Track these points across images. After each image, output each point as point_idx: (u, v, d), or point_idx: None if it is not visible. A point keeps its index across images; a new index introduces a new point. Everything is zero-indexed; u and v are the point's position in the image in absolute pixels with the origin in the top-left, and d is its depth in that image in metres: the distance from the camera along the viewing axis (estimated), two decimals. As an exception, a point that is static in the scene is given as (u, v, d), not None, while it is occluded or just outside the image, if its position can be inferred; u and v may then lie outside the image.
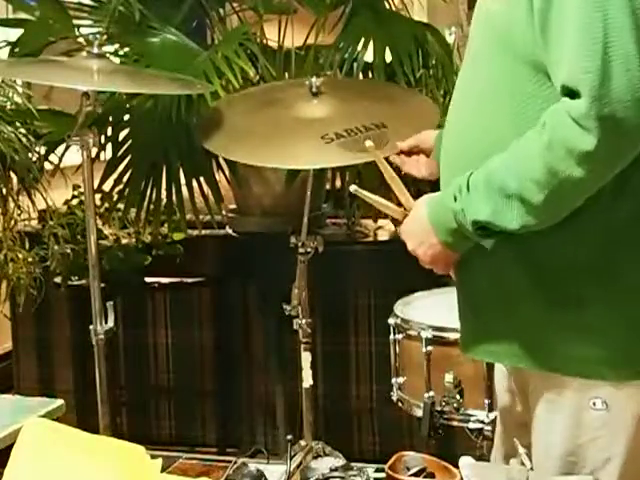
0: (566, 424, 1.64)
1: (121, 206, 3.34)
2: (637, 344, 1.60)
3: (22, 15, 3.31)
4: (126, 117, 3.27)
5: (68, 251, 3.31)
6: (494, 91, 1.62)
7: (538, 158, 1.49)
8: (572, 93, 1.46)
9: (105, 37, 3.20)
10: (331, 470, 1.88)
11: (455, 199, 1.58)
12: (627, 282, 1.59)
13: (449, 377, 2.38)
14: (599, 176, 1.50)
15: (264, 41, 3.43)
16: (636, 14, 1.45)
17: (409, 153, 2.10)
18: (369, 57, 3.39)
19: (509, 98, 1.59)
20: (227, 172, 3.35)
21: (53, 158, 3.19)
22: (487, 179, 1.55)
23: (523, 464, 1.56)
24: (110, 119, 3.21)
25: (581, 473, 1.63)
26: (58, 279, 3.46)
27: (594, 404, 1.61)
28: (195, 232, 3.52)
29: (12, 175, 3.04)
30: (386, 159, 1.90)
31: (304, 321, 2.71)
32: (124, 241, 3.56)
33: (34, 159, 3.11)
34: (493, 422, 2.32)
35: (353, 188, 1.82)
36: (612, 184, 1.53)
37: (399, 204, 1.83)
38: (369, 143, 1.94)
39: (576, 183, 1.48)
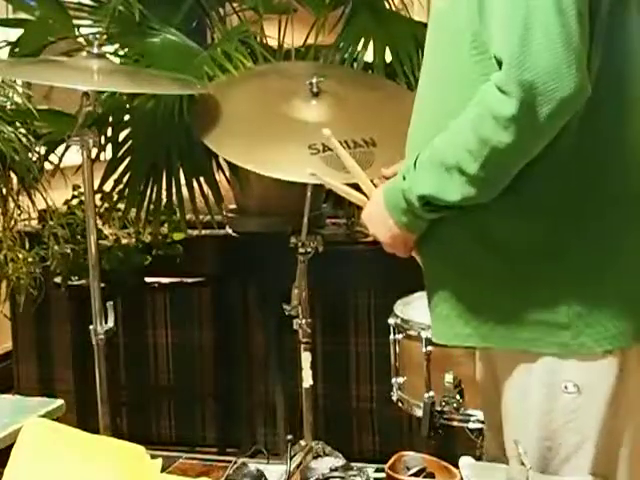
0: (539, 410, 1.65)
1: (121, 206, 3.34)
2: (598, 316, 1.61)
3: (22, 15, 3.31)
4: (126, 117, 3.27)
5: (68, 251, 3.31)
6: (444, 79, 1.68)
7: (470, 129, 1.55)
8: (500, 65, 1.52)
9: (105, 37, 3.19)
10: (331, 470, 1.88)
11: (404, 178, 1.65)
12: (582, 254, 1.61)
13: (449, 377, 2.38)
14: (527, 141, 1.54)
15: (264, 41, 3.43)
16: None
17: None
18: (369, 57, 3.39)
19: (457, 84, 1.65)
20: (227, 172, 3.35)
21: (53, 158, 3.19)
22: (430, 155, 1.62)
23: (523, 464, 1.56)
24: (110, 119, 3.21)
25: (557, 457, 1.64)
26: (58, 279, 3.46)
27: (566, 387, 1.62)
28: (195, 232, 3.52)
29: (12, 175, 3.04)
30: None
31: (304, 321, 2.71)
32: (124, 241, 3.55)
33: (34, 159, 3.11)
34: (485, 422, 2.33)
35: (310, 171, 1.86)
36: (559, 161, 1.58)
37: (361, 192, 1.88)
38: (326, 131, 1.99)
39: (506, 149, 1.53)
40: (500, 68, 1.53)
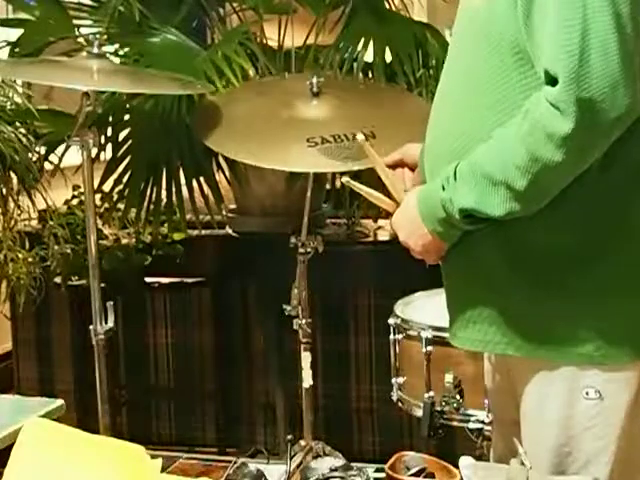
0: (559, 415, 1.64)
1: (121, 206, 3.34)
2: (626, 325, 1.61)
3: (22, 15, 3.31)
4: (126, 117, 3.28)
5: (68, 251, 3.31)
6: (478, 84, 1.64)
7: (520, 144, 1.52)
8: (552, 79, 1.49)
9: (105, 37, 3.20)
10: (331, 470, 1.88)
11: (443, 188, 1.61)
12: (608, 268, 1.60)
13: (449, 377, 2.38)
14: (579, 159, 1.52)
15: (264, 41, 3.43)
16: (615, 3, 1.46)
17: (394, 167, 2.11)
18: (369, 57, 3.39)
19: (493, 89, 1.61)
20: (227, 172, 3.35)
21: (53, 158, 3.19)
22: (472, 167, 1.58)
23: (523, 464, 1.56)
24: (110, 119, 3.21)
25: (575, 463, 1.64)
26: (58, 279, 3.46)
27: (587, 394, 1.62)
28: (195, 232, 3.52)
29: (12, 175, 3.04)
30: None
31: (304, 321, 2.71)
32: (124, 241, 3.55)
33: (34, 159, 3.11)
34: (493, 422, 2.33)
35: (345, 180, 1.84)
36: (594, 172, 1.56)
37: (391, 197, 1.84)
38: (360, 137, 1.96)
39: (557, 167, 1.51)
40: (547, 82, 1.50)
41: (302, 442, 2.78)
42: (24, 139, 3.02)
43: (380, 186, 1.88)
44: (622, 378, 1.62)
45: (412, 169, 2.05)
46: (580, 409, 1.63)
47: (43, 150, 3.17)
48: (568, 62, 1.46)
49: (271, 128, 2.60)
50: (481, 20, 1.63)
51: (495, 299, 1.68)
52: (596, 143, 1.51)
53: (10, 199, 3.06)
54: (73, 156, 2.84)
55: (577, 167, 1.54)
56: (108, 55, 2.88)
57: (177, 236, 3.52)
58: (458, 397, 2.39)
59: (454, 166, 1.61)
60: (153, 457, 1.65)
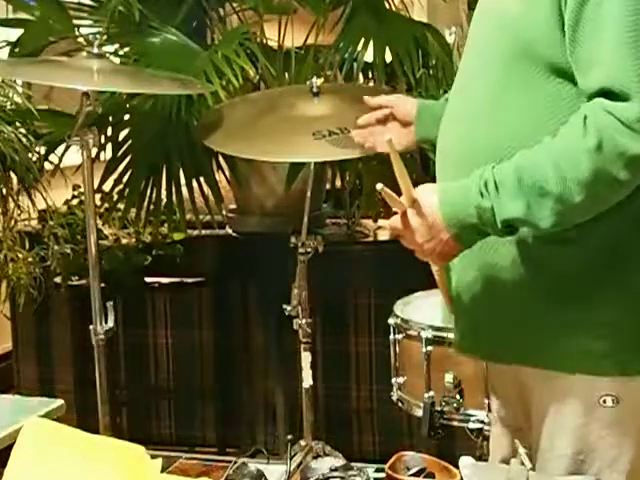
0: (575, 424, 1.63)
1: (121, 206, 3.34)
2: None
3: (22, 15, 3.31)
4: (126, 117, 3.28)
5: (68, 251, 3.31)
6: (507, 91, 1.61)
7: (586, 159, 1.46)
8: (612, 94, 1.45)
9: (105, 37, 3.20)
10: (331, 470, 1.88)
11: (482, 195, 1.53)
12: (636, 280, 1.59)
13: (449, 377, 2.38)
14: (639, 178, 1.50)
15: (264, 41, 3.43)
16: None
17: (383, 120, 2.07)
18: (369, 57, 3.40)
19: (524, 97, 1.58)
20: (227, 172, 3.35)
21: (53, 158, 3.19)
22: (519, 176, 1.51)
23: (523, 464, 1.56)
24: (110, 119, 3.21)
25: (590, 470, 1.63)
26: (58, 279, 3.46)
27: (604, 402, 1.61)
28: (195, 232, 3.52)
29: (12, 175, 3.04)
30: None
31: (304, 321, 2.71)
32: (124, 241, 3.56)
33: (34, 159, 3.11)
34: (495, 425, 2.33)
35: (380, 187, 1.73)
36: None
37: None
38: (387, 137, 1.90)
39: (619, 185, 1.48)
40: (598, 94, 1.47)
41: (302, 442, 2.78)
42: (24, 139, 3.02)
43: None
44: (638, 388, 1.61)
45: (403, 124, 2.02)
46: (596, 417, 1.62)
47: (43, 150, 3.17)
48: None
49: (275, 126, 2.61)
50: (515, 28, 1.58)
51: (511, 309, 1.66)
52: None
53: (10, 199, 3.06)
54: (73, 156, 2.84)
55: (635, 184, 1.50)
56: (108, 55, 2.88)
57: (177, 236, 3.52)
58: (458, 397, 2.39)
59: (491, 171, 1.54)
60: (153, 457, 1.65)
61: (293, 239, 2.69)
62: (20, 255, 3.09)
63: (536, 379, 1.69)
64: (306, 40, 3.45)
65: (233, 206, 3.58)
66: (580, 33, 1.48)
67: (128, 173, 3.18)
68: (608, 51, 1.45)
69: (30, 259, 3.13)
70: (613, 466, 1.62)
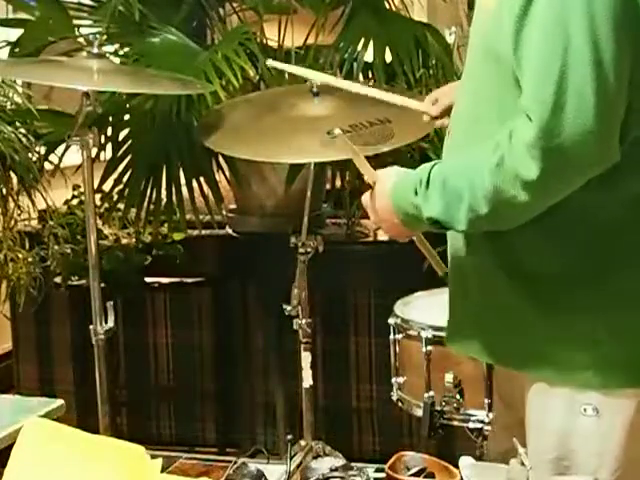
0: (558, 429, 1.64)
1: (121, 206, 3.34)
2: (625, 351, 1.60)
3: (22, 15, 3.31)
4: (126, 117, 3.28)
5: (68, 251, 3.31)
6: (483, 96, 1.65)
7: (488, 175, 1.52)
8: (527, 116, 1.48)
9: (105, 37, 3.20)
10: (331, 470, 1.87)
11: (415, 192, 1.62)
12: (615, 287, 1.59)
13: (449, 377, 2.38)
14: (543, 202, 1.53)
15: (264, 41, 3.43)
16: (597, 49, 1.42)
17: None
18: (369, 57, 3.40)
19: (495, 102, 1.61)
20: (227, 172, 3.35)
21: (53, 158, 3.19)
22: (444, 179, 1.59)
23: (523, 464, 1.56)
24: (110, 119, 3.21)
25: (574, 477, 1.63)
26: (58, 279, 3.46)
27: (585, 410, 1.61)
28: (195, 232, 3.52)
29: (12, 175, 3.04)
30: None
31: (304, 321, 2.71)
32: (124, 241, 3.55)
33: (34, 159, 3.11)
34: (493, 422, 2.32)
35: (337, 131, 1.86)
36: (599, 192, 1.54)
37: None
38: (337, 130, 2.06)
39: (520, 205, 1.51)
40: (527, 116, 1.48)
41: (302, 442, 2.78)
42: (24, 139, 3.02)
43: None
44: (619, 398, 1.62)
45: None
46: (578, 425, 1.63)
47: (43, 150, 3.17)
48: (542, 110, 1.45)
49: (275, 126, 2.61)
50: (484, 33, 1.62)
51: (495, 312, 1.69)
52: (561, 190, 1.52)
53: (10, 199, 3.06)
54: (73, 156, 2.84)
55: (540, 207, 1.54)
56: (108, 55, 2.88)
57: (177, 236, 3.52)
58: (458, 397, 2.39)
59: (429, 169, 1.61)
60: (153, 457, 1.65)
61: (293, 239, 2.68)
62: (20, 255, 3.09)
63: (523, 378, 1.70)
64: (306, 40, 3.45)
65: (233, 206, 3.58)
66: (519, 54, 1.50)
67: (128, 173, 3.18)
68: (527, 76, 1.49)
69: (30, 259, 3.13)
70: (596, 475, 1.62)
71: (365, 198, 1.77)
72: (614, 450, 1.62)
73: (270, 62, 2.15)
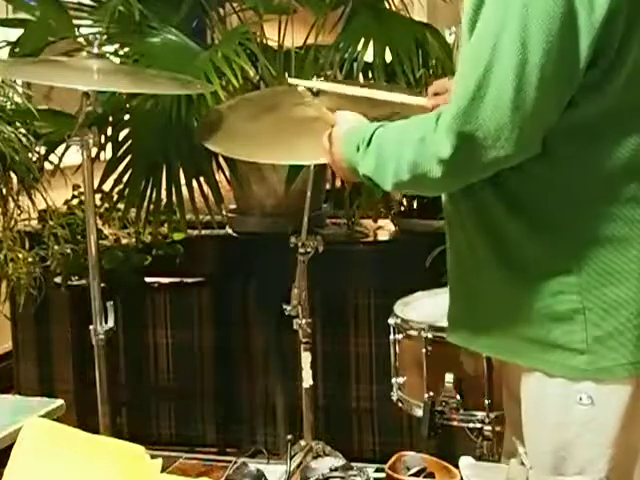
0: (555, 420, 1.65)
1: (121, 206, 3.34)
2: (614, 326, 1.61)
3: (22, 15, 3.31)
4: (126, 117, 3.28)
5: (68, 251, 3.31)
6: None
7: (412, 147, 1.61)
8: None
9: (105, 37, 3.20)
10: (331, 470, 1.88)
11: (358, 148, 1.72)
12: (602, 263, 1.60)
13: (449, 377, 2.38)
14: (453, 180, 1.62)
15: (264, 41, 3.43)
16: (525, 50, 1.48)
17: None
18: (369, 57, 3.39)
19: None
20: (227, 172, 3.35)
21: (53, 158, 3.19)
22: (380, 143, 1.69)
23: (523, 464, 1.56)
24: (110, 119, 3.21)
25: (571, 468, 1.64)
26: (58, 279, 3.46)
27: (580, 399, 1.62)
28: (195, 232, 3.52)
29: (12, 175, 3.04)
30: None
31: (304, 321, 2.71)
32: (124, 241, 3.56)
33: (34, 159, 3.11)
34: (493, 422, 2.33)
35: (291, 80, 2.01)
36: (567, 172, 1.59)
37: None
38: (300, 88, 2.15)
39: (433, 180, 1.59)
40: None
41: (302, 442, 2.78)
42: (24, 139, 3.02)
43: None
44: (614, 387, 1.62)
45: None
46: (574, 415, 1.63)
47: (43, 150, 3.17)
48: (463, 97, 1.53)
49: (275, 126, 2.61)
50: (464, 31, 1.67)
51: (491, 304, 1.71)
52: (472, 172, 1.60)
53: (10, 199, 3.06)
54: (73, 156, 2.84)
55: (451, 185, 1.66)
56: (108, 55, 2.88)
57: (177, 236, 3.52)
58: (458, 397, 2.39)
59: (374, 129, 1.70)
60: (153, 457, 1.65)
61: (293, 239, 2.68)
62: (20, 255, 3.09)
63: (519, 369, 1.71)
64: (306, 40, 3.45)
65: (233, 206, 3.58)
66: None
67: (128, 173, 3.19)
68: (462, 63, 1.59)
69: (30, 259, 3.13)
70: (593, 465, 1.63)
71: (324, 138, 1.85)
72: (610, 440, 1.62)
73: (291, 80, 2.23)
